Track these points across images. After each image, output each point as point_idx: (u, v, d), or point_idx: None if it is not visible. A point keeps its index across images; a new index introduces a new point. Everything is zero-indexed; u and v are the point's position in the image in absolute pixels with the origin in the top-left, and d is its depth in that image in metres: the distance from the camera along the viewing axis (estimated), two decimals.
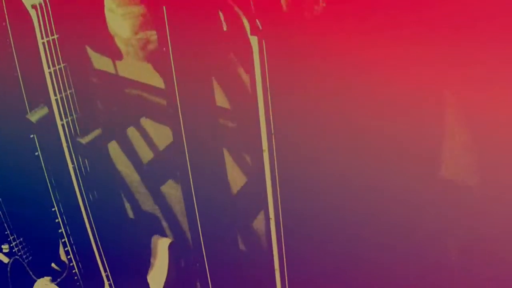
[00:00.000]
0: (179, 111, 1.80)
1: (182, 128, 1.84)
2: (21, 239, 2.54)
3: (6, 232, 2.50)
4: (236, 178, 2.09)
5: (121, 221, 2.43)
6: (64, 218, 2.32)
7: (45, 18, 1.80)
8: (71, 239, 2.37)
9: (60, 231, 2.34)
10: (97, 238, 2.20)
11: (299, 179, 1.82)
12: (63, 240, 2.35)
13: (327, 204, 1.87)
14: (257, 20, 1.53)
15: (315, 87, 1.74)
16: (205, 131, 1.92)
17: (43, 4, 1.78)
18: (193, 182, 1.91)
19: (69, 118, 1.96)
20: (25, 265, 2.48)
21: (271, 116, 1.67)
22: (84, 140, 1.99)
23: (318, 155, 1.82)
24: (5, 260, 2.53)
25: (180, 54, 1.73)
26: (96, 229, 2.18)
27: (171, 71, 1.74)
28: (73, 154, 2.02)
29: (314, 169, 1.83)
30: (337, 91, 1.72)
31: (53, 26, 1.82)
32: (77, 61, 1.97)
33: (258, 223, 2.07)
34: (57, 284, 2.31)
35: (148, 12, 1.79)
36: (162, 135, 2.24)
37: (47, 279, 2.39)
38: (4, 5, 1.97)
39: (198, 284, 2.42)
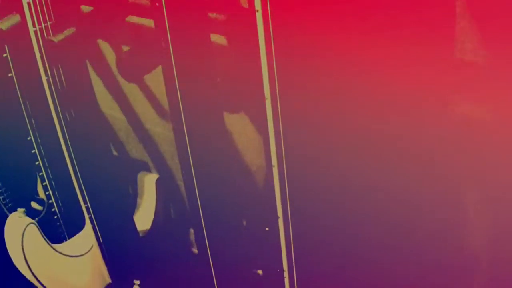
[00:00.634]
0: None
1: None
2: None
3: None
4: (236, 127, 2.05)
5: (103, 146, 2.23)
6: (41, 148, 2.08)
7: None
8: (49, 172, 2.14)
9: (37, 163, 2.10)
10: (77, 170, 2.00)
11: (302, 179, 1.82)
12: (40, 174, 2.13)
13: (332, 203, 1.87)
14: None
15: (315, 87, 1.74)
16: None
17: None
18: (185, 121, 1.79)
19: (43, 25, 1.72)
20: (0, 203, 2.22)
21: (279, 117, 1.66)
22: (56, 38, 1.75)
23: (320, 155, 1.82)
24: None
25: None
26: (75, 158, 1.98)
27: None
28: (46, 64, 1.76)
29: (318, 168, 1.83)
30: (337, 91, 1.72)
31: None
32: None
33: (259, 173, 2.01)
34: (37, 222, 2.12)
35: None
36: None
37: (20, 211, 2.16)
38: None
39: (191, 231, 2.34)
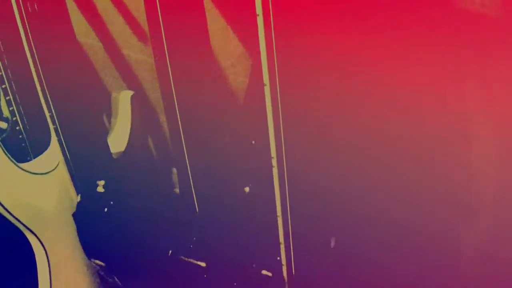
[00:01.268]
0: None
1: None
2: None
3: None
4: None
5: (77, 72, 2.02)
6: (5, 58, 1.92)
7: None
8: (13, 85, 1.98)
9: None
10: (42, 79, 1.84)
11: (301, 178, 1.82)
12: (3, 87, 1.97)
13: (331, 202, 1.87)
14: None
15: (316, 88, 1.75)
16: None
17: None
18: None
19: None
20: None
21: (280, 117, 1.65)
22: None
23: (321, 156, 1.82)
24: None
25: None
26: (43, 75, 1.84)
27: None
28: None
29: (318, 168, 1.83)
30: (337, 91, 1.73)
31: None
32: None
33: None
34: (0, 142, 1.94)
35: None
36: None
37: None
38: None
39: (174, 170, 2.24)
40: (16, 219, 2.07)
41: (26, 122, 2.14)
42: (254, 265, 2.02)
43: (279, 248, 1.91)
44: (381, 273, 1.98)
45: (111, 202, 2.17)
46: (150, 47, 1.94)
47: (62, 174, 2.17)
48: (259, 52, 1.57)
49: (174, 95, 1.82)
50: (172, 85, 1.79)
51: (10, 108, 2.08)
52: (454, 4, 1.55)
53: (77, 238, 2.23)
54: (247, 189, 1.95)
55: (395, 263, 1.97)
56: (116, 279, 2.29)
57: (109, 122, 2.28)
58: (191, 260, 2.13)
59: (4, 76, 1.99)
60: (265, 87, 1.61)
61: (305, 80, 1.79)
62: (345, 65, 1.74)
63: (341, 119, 1.83)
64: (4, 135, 2.13)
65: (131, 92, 2.17)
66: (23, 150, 2.22)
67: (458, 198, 1.83)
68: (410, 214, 1.88)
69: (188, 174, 1.98)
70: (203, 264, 2.13)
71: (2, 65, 1.99)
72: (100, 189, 2.15)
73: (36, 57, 1.87)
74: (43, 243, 2.14)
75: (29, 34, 1.83)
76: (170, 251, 2.16)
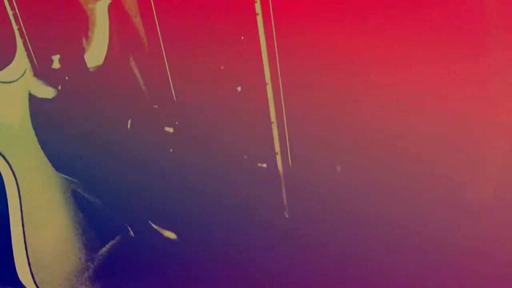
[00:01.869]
0: None
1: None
2: None
3: None
4: None
5: None
6: None
7: None
8: None
9: None
10: None
11: (301, 180, 1.82)
12: None
13: (333, 204, 1.87)
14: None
15: (315, 87, 1.75)
16: None
17: None
18: None
19: None
20: None
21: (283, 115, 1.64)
22: None
23: (321, 155, 1.82)
24: None
25: None
26: None
27: None
28: None
29: (319, 168, 1.83)
30: (337, 90, 1.73)
31: None
32: None
33: None
34: None
35: None
36: None
37: None
38: None
39: None
40: None
41: None
42: (246, 157, 1.95)
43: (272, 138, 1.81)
44: (381, 272, 1.98)
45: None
46: None
47: (28, 81, 2.03)
48: None
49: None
50: None
51: None
52: (454, 4, 1.56)
53: (42, 152, 2.09)
54: (239, 88, 1.90)
55: (394, 262, 1.97)
56: (88, 195, 2.18)
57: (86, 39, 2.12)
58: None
59: None
60: None
61: (307, 82, 1.79)
62: (345, 66, 1.74)
63: (341, 119, 1.83)
64: None
65: (108, 1, 2.01)
66: None
67: (458, 198, 1.83)
68: (413, 213, 1.88)
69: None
70: None
71: None
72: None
73: None
74: (7, 158, 2.03)
75: None
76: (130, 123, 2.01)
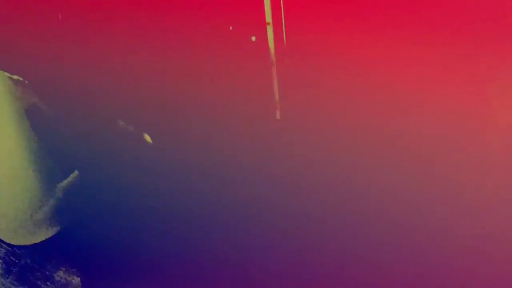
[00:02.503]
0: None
1: None
2: None
3: None
4: None
5: None
6: None
7: None
8: None
9: None
10: None
11: (301, 178, 1.82)
12: None
13: (333, 204, 1.88)
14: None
15: (315, 87, 1.75)
16: None
17: None
18: None
19: None
20: None
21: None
22: None
23: (320, 155, 1.82)
24: None
25: None
26: None
27: None
28: None
29: (320, 167, 1.83)
30: (337, 90, 1.73)
31: None
32: None
33: None
34: None
35: None
36: None
37: None
38: None
39: None
40: None
41: None
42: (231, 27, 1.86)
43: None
44: (381, 272, 1.98)
45: None
46: None
47: None
48: None
49: None
50: None
51: None
52: (454, 4, 1.56)
53: None
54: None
55: (394, 262, 1.97)
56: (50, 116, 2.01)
57: None
58: None
59: None
60: None
61: (307, 83, 1.79)
62: (345, 64, 1.74)
63: (341, 119, 1.83)
64: None
65: None
66: None
67: (458, 198, 1.83)
68: (413, 213, 1.88)
69: None
70: None
71: None
72: None
73: None
74: None
75: None
76: None
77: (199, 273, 2.21)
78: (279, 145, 1.68)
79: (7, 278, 2.00)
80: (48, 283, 2.09)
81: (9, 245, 2.02)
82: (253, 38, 1.70)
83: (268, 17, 1.51)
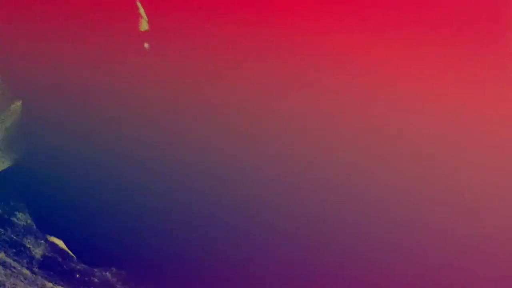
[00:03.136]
0: None
1: None
2: None
3: None
4: None
5: None
6: None
7: None
8: None
9: None
10: None
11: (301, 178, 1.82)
12: None
13: (333, 204, 1.87)
14: None
15: (315, 87, 1.74)
16: None
17: None
18: None
19: None
20: None
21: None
22: None
23: (320, 155, 1.81)
24: None
25: None
26: None
27: None
28: None
29: (321, 164, 1.82)
30: (337, 90, 1.72)
31: None
32: None
33: None
34: None
35: None
36: None
37: None
38: None
39: None
40: None
41: None
42: None
43: None
44: (381, 272, 1.97)
45: None
46: None
47: None
48: None
49: None
50: None
51: None
52: (454, 4, 1.55)
53: None
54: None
55: (394, 262, 1.96)
56: None
57: None
58: None
59: None
60: None
61: (307, 82, 1.78)
62: (345, 64, 1.74)
63: (341, 119, 1.82)
64: None
65: None
66: None
67: (458, 198, 1.82)
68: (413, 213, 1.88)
69: None
70: None
71: None
72: None
73: None
74: None
75: None
76: None
77: (199, 273, 2.20)
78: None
79: None
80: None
81: None
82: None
83: None
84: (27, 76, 2.13)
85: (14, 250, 2.26)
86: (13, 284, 2.24)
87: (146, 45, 1.88)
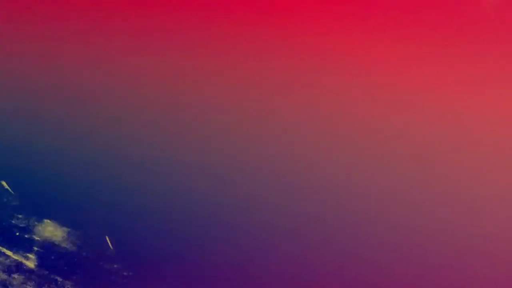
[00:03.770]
0: None
1: None
2: None
3: None
4: None
5: None
6: None
7: None
8: None
9: None
10: None
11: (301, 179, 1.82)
12: None
13: (333, 204, 1.87)
14: None
15: (315, 88, 1.75)
16: None
17: None
18: None
19: None
20: None
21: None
22: None
23: (320, 155, 1.82)
24: None
25: None
26: None
27: None
28: None
29: (321, 163, 1.83)
30: (337, 90, 1.73)
31: None
32: None
33: None
34: None
35: None
36: None
37: None
38: None
39: None
40: None
41: None
42: None
43: None
44: (381, 272, 1.98)
45: None
46: None
47: None
48: None
49: None
50: None
51: None
52: (454, 4, 1.55)
53: None
54: None
55: (394, 262, 1.97)
56: None
57: None
58: None
59: None
60: None
61: (307, 83, 1.79)
62: (345, 64, 1.74)
63: (341, 119, 1.83)
64: None
65: None
66: None
67: (458, 198, 1.83)
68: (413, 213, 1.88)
69: None
70: None
71: None
72: None
73: None
74: None
75: None
76: None
77: (199, 273, 2.21)
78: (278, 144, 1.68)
79: None
80: None
81: None
82: None
83: None
84: (27, 76, 2.12)
85: (15, 249, 2.28)
86: (22, 283, 2.27)
87: None
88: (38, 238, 2.25)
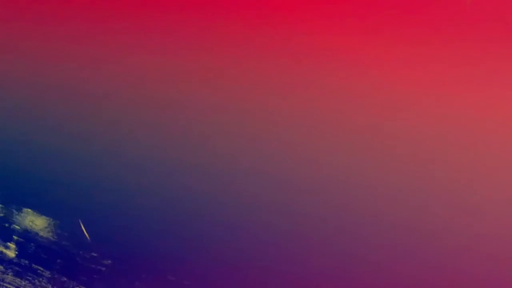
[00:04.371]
0: None
1: None
2: None
3: None
4: None
5: None
6: None
7: None
8: None
9: None
10: None
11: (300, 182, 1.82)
12: None
13: (333, 204, 1.87)
14: None
15: (315, 88, 1.75)
16: None
17: None
18: None
19: None
20: None
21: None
22: None
23: (320, 155, 1.82)
24: None
25: None
26: None
27: None
28: None
29: (321, 163, 1.83)
30: (337, 90, 1.73)
31: None
32: None
33: None
34: None
35: None
36: None
37: None
38: None
39: None
40: None
41: None
42: None
43: None
44: (381, 272, 1.98)
45: None
46: None
47: None
48: None
49: None
50: None
51: None
52: (454, 4, 1.55)
53: None
54: None
55: (394, 262, 1.97)
56: None
57: None
58: None
59: None
60: None
61: (307, 83, 1.79)
62: (345, 64, 1.74)
63: (341, 120, 1.83)
64: None
65: None
66: None
67: (458, 198, 1.83)
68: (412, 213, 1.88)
69: None
70: None
71: None
72: None
73: None
74: None
75: None
76: None
77: (199, 273, 2.21)
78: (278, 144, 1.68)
79: None
80: None
81: None
82: None
83: None
84: (27, 76, 2.13)
85: (16, 248, 2.32)
86: (2, 272, 2.30)
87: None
88: (18, 228, 2.29)
